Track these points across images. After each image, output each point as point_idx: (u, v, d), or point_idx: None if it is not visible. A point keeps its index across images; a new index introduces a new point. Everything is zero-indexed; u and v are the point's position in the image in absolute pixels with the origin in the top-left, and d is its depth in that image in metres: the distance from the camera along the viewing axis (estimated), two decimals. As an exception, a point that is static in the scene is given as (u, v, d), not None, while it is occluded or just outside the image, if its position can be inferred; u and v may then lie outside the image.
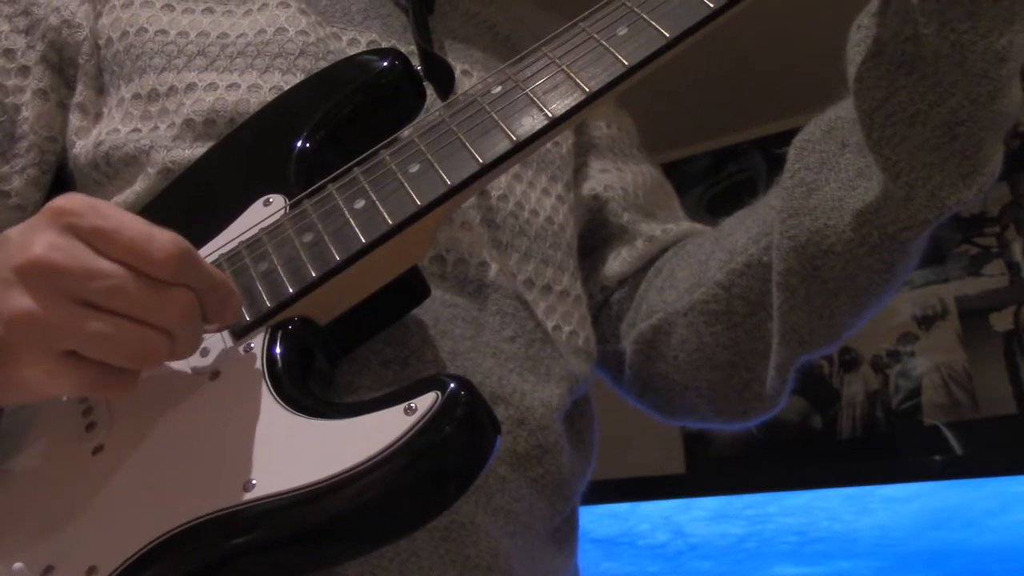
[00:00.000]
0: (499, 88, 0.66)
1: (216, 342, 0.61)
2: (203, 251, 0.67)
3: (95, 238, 0.53)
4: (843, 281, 0.72)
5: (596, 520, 2.25)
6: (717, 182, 2.71)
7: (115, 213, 0.54)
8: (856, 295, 0.73)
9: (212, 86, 0.76)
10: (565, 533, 0.81)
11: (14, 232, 0.54)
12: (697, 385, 0.84)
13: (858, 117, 0.67)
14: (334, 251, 0.62)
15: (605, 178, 0.92)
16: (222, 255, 0.66)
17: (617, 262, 0.89)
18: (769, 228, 0.76)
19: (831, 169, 0.71)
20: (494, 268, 0.76)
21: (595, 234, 0.91)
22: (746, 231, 0.79)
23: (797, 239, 0.72)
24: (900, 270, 0.71)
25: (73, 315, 0.51)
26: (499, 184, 0.80)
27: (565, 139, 0.89)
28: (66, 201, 0.54)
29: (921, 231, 0.68)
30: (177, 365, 0.61)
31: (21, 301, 0.51)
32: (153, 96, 0.77)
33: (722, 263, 0.80)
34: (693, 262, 0.84)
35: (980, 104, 0.62)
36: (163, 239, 0.53)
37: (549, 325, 0.79)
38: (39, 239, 0.52)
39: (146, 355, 0.53)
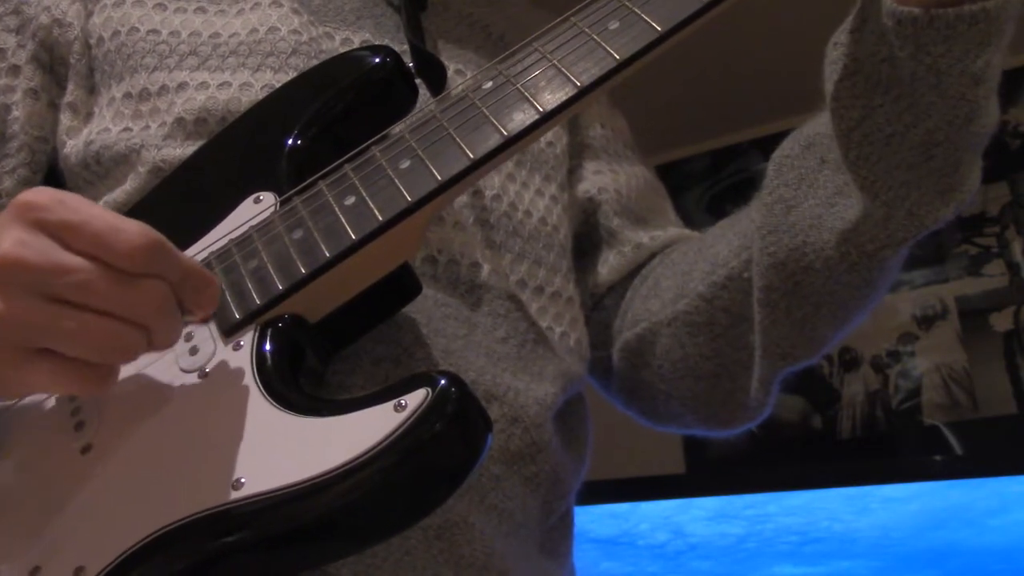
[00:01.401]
0: (490, 83, 0.66)
1: (205, 340, 0.61)
2: (193, 249, 0.67)
3: (63, 232, 0.52)
4: (824, 296, 0.72)
5: (596, 520, 2.25)
6: (717, 182, 2.71)
7: (83, 206, 0.53)
8: (837, 309, 0.73)
9: (203, 85, 0.76)
10: (560, 533, 0.81)
11: None
12: (681, 394, 0.84)
13: (835, 136, 0.66)
14: (324, 248, 0.62)
15: (599, 180, 0.91)
16: (212, 253, 0.65)
17: (605, 269, 0.89)
18: (749, 241, 0.76)
19: (810, 186, 0.71)
20: (486, 269, 0.76)
21: (587, 237, 0.91)
22: (727, 243, 0.79)
23: (776, 256, 0.72)
24: (880, 284, 0.71)
25: (42, 312, 0.51)
26: (493, 184, 0.80)
27: (559, 139, 0.89)
28: (33, 195, 0.53)
29: (899, 249, 0.68)
30: (166, 363, 0.61)
31: None
32: (144, 95, 0.77)
33: (704, 275, 0.79)
34: (677, 271, 0.84)
35: (957, 126, 0.62)
36: (130, 231, 0.53)
37: (542, 325, 0.79)
38: (6, 236, 0.52)
39: (120, 349, 0.53)
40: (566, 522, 0.82)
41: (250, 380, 0.58)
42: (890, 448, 2.32)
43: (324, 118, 0.72)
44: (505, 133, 0.62)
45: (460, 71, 0.84)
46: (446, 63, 0.81)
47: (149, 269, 0.53)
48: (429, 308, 0.71)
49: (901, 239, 0.67)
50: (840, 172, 0.68)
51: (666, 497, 2.31)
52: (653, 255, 0.90)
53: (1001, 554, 1.93)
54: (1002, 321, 2.29)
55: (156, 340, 0.54)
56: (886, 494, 2.08)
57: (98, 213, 0.53)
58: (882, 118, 0.64)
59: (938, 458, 2.20)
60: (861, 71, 0.64)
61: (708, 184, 2.72)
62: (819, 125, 0.72)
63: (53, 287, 0.51)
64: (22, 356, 0.52)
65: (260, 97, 0.74)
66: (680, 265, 0.84)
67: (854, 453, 2.35)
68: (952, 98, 0.61)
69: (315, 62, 0.77)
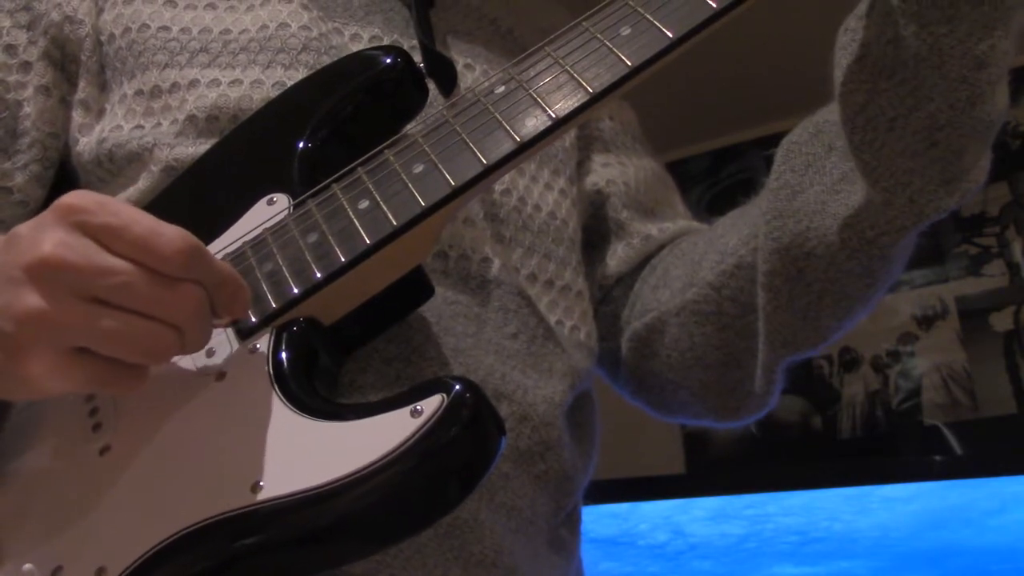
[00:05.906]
0: (503, 88, 0.65)
1: (222, 343, 0.61)
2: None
3: (104, 235, 0.53)
4: (826, 284, 0.72)
5: (596, 520, 2.25)
6: (717, 182, 2.71)
7: (124, 210, 0.54)
8: (840, 299, 0.73)
9: (215, 82, 0.76)
10: (568, 529, 0.81)
11: (23, 229, 0.54)
12: (689, 384, 0.84)
13: (841, 121, 0.67)
14: (339, 252, 0.62)
15: (607, 172, 0.92)
16: (227, 254, 0.65)
17: (614, 260, 0.90)
18: (758, 230, 0.76)
19: (816, 172, 0.71)
20: (496, 264, 0.76)
21: (595, 230, 0.91)
22: (737, 232, 0.79)
23: (780, 241, 0.72)
24: (882, 276, 0.71)
25: (83, 313, 0.52)
26: (502, 179, 0.80)
27: (567, 133, 0.89)
28: (76, 198, 0.54)
29: (899, 237, 0.68)
30: (183, 365, 0.61)
31: (30, 300, 0.51)
32: (156, 93, 0.77)
33: (713, 264, 0.80)
34: (687, 261, 0.84)
35: (959, 109, 0.62)
36: (171, 235, 0.53)
37: (551, 320, 0.79)
38: (49, 237, 0.52)
39: (156, 350, 0.54)
40: (574, 518, 0.83)
41: (267, 383, 0.58)
42: (890, 448, 2.33)
43: (335, 119, 0.72)
44: (518, 139, 0.62)
45: (469, 65, 0.84)
46: (455, 58, 0.81)
47: (188, 273, 0.54)
48: (439, 306, 0.72)
49: (900, 226, 0.67)
50: (847, 159, 0.69)
51: (666, 497, 2.31)
52: (662, 246, 0.90)
53: (1001, 554, 1.94)
54: (1002, 321, 2.30)
55: (189, 342, 0.55)
56: (886, 494, 2.08)
57: (139, 217, 0.54)
58: (886, 102, 0.64)
59: (938, 458, 2.21)
60: (869, 55, 0.64)
61: (708, 184, 2.72)
62: (829, 113, 0.72)
63: (94, 288, 0.52)
64: (59, 356, 0.52)
65: (272, 94, 0.74)
66: (690, 255, 0.84)
67: (854, 453, 2.36)
68: (954, 80, 0.61)
69: (326, 58, 0.77)
